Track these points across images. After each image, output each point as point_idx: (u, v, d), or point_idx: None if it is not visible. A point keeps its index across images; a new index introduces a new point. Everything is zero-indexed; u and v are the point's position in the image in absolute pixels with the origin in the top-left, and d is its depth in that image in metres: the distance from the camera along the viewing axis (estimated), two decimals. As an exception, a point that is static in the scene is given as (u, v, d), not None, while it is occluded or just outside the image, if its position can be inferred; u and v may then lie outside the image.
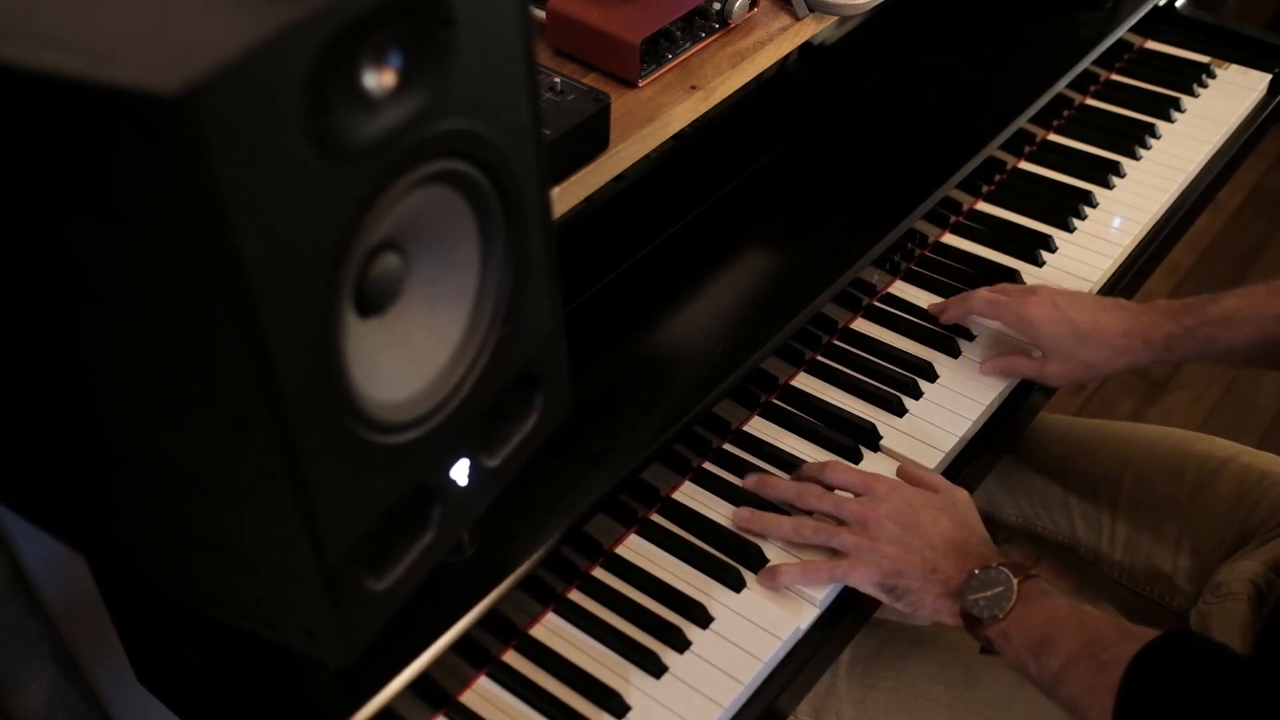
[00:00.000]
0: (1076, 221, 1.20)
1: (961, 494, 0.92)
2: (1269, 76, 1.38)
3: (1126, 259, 1.18)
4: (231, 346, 0.45)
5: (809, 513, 0.92)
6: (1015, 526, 1.22)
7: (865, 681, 0.98)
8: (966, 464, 1.00)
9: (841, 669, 0.98)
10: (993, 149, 1.21)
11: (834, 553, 0.89)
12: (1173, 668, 0.75)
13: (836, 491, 0.92)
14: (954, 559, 0.86)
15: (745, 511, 0.92)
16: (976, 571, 0.84)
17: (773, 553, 0.90)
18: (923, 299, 1.11)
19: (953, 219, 1.20)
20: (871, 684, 0.97)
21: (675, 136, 0.95)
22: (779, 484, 0.93)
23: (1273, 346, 0.94)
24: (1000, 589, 0.82)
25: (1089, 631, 0.78)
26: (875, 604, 0.92)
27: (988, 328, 1.08)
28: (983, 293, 1.05)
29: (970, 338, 1.08)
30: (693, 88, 0.93)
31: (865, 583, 0.87)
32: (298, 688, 0.76)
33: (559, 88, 0.85)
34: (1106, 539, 1.14)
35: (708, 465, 0.96)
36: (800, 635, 0.86)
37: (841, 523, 0.89)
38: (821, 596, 0.87)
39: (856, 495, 0.91)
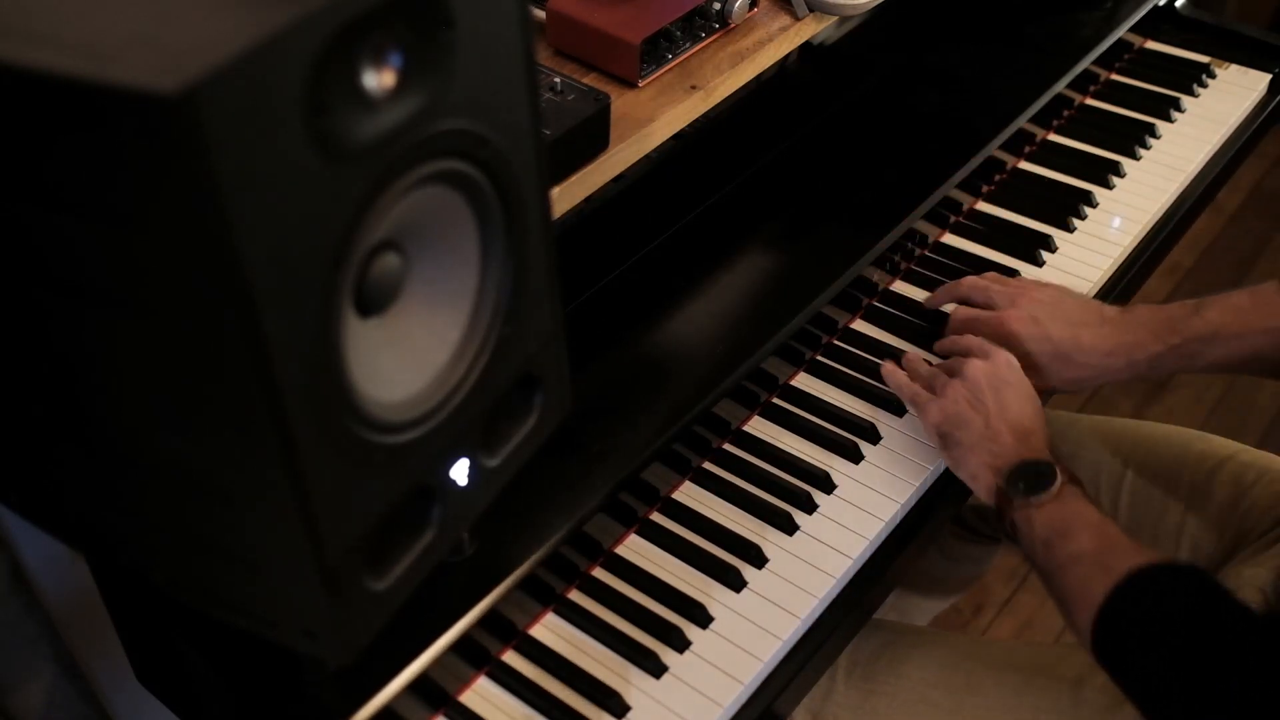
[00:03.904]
0: (1076, 221, 1.20)
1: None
2: (1269, 76, 1.38)
3: (1126, 259, 1.18)
4: (231, 346, 0.45)
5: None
6: None
7: (865, 686, 0.97)
8: (966, 464, 1.00)
9: (840, 673, 0.98)
10: (993, 149, 1.21)
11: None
12: (1172, 588, 0.74)
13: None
14: (1015, 439, 0.88)
15: (890, 364, 1.01)
16: (1029, 458, 0.86)
17: (771, 552, 0.90)
18: (923, 299, 1.11)
19: (953, 219, 1.20)
20: (871, 689, 0.97)
21: (675, 136, 0.95)
22: (919, 363, 1.00)
23: (1259, 359, 0.93)
24: (1045, 479, 0.84)
25: (1108, 539, 0.79)
26: (875, 602, 0.92)
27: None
28: (962, 312, 1.03)
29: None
30: (693, 88, 0.93)
31: (933, 416, 0.93)
32: (298, 688, 0.76)
33: (559, 88, 0.85)
34: (1107, 535, 1.14)
35: (708, 465, 0.96)
36: (800, 634, 0.86)
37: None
38: (823, 595, 0.88)
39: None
